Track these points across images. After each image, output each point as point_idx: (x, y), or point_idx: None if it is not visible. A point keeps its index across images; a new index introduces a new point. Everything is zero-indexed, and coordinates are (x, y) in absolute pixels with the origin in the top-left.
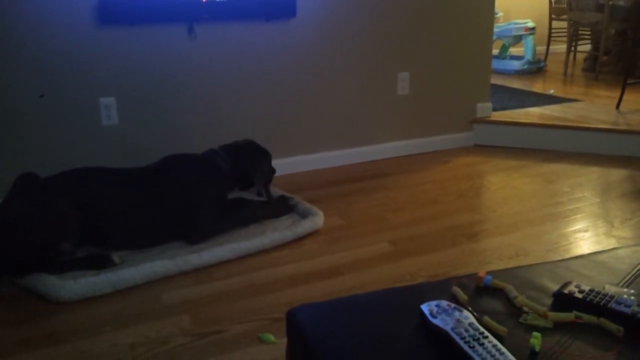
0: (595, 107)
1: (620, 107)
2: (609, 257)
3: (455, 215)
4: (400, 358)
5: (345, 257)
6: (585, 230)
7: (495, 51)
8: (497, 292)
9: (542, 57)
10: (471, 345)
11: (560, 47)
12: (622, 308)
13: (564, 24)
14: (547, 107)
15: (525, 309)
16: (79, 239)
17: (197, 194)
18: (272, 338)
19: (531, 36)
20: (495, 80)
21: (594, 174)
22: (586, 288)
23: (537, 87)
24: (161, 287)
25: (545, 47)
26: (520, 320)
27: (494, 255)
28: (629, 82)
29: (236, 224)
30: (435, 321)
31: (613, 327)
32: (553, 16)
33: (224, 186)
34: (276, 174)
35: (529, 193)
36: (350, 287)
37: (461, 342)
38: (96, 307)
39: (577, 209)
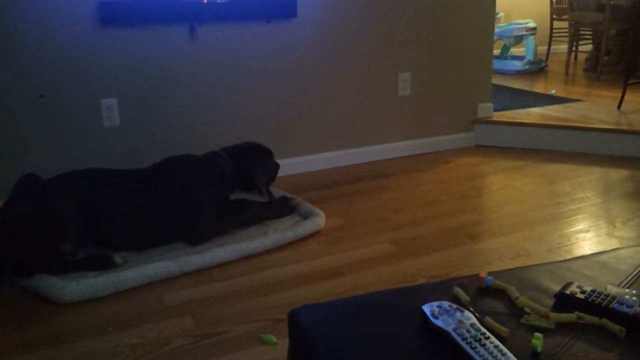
0: (597, 107)
1: (622, 107)
2: (611, 257)
3: (457, 215)
4: (401, 359)
5: (347, 257)
6: (587, 231)
7: (496, 51)
8: (498, 293)
9: (543, 57)
10: (473, 346)
11: (561, 47)
12: (624, 309)
13: (565, 24)
14: (548, 107)
15: (526, 309)
16: (81, 240)
17: (199, 194)
18: (274, 339)
19: (532, 36)
20: (497, 80)
21: (595, 174)
22: (588, 289)
23: (539, 87)
24: (163, 288)
25: (546, 47)
26: (522, 321)
27: (496, 255)
28: (630, 82)
29: (237, 224)
30: (437, 322)
31: (615, 327)
32: (554, 16)
33: (226, 187)
34: (278, 175)
35: (531, 193)
36: (352, 287)
37: (463, 343)
38: (98, 308)
39: (578, 210)
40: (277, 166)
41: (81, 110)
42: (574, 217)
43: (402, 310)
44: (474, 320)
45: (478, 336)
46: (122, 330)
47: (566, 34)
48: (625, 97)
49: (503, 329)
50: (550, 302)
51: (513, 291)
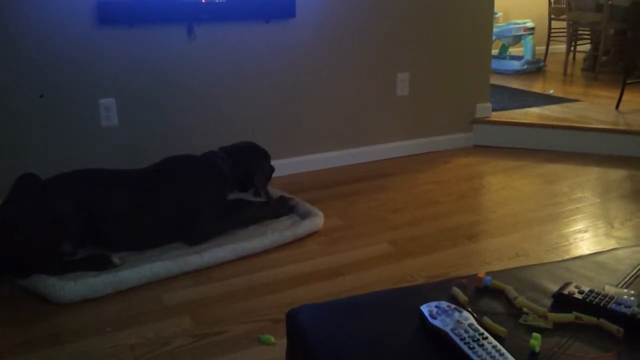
0: (595, 107)
1: (620, 107)
2: (609, 257)
3: (455, 215)
4: (399, 359)
5: (345, 257)
6: (585, 231)
7: (494, 51)
8: (496, 293)
9: (542, 57)
10: (471, 346)
11: (559, 47)
12: (622, 309)
13: (564, 24)
14: (546, 107)
15: (525, 309)
16: (80, 240)
17: (197, 194)
18: (272, 339)
19: (530, 36)
20: (495, 80)
21: (593, 174)
22: (586, 289)
23: (537, 87)
24: (162, 287)
25: (544, 47)
26: (520, 321)
27: (494, 256)
28: (628, 82)
29: (236, 224)
30: (435, 322)
31: (613, 328)
32: (552, 16)
33: (224, 187)
34: (276, 175)
35: (529, 193)
36: (350, 287)
37: (461, 343)
38: (97, 308)
39: (576, 210)
40: (272, 170)
41: (79, 110)
42: (572, 218)
43: (401, 311)
44: (472, 320)
45: (476, 336)
46: (121, 330)
47: (564, 34)
48: (624, 97)
49: (501, 329)
50: (549, 302)
51: (511, 291)
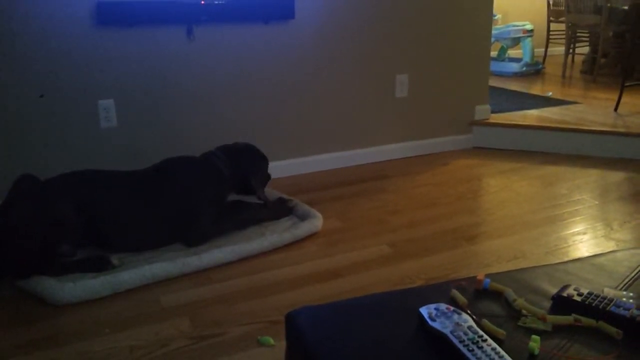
0: (594, 110)
1: (619, 110)
2: (608, 260)
3: (454, 217)
4: None
5: (344, 259)
6: (584, 233)
7: (493, 53)
8: (496, 295)
9: (541, 60)
10: (470, 348)
11: (558, 50)
12: (621, 311)
13: (562, 27)
14: (545, 109)
15: (524, 312)
16: (79, 241)
17: (197, 196)
18: (271, 341)
19: (529, 38)
20: (494, 82)
21: (592, 176)
22: (585, 291)
23: (536, 89)
24: (160, 289)
25: (543, 50)
26: (519, 323)
27: (493, 258)
28: (627, 84)
29: (235, 226)
30: (434, 324)
31: (612, 330)
32: (551, 18)
33: (223, 188)
34: (275, 176)
35: (528, 195)
36: (349, 289)
37: (460, 346)
38: (95, 309)
39: (575, 212)
40: (269, 177)
41: (78, 111)
42: (571, 220)
43: (400, 313)
44: (471, 322)
45: (475, 339)
46: (119, 331)
47: (563, 36)
48: (622, 99)
49: (500, 332)
50: (548, 304)
51: (510, 293)
